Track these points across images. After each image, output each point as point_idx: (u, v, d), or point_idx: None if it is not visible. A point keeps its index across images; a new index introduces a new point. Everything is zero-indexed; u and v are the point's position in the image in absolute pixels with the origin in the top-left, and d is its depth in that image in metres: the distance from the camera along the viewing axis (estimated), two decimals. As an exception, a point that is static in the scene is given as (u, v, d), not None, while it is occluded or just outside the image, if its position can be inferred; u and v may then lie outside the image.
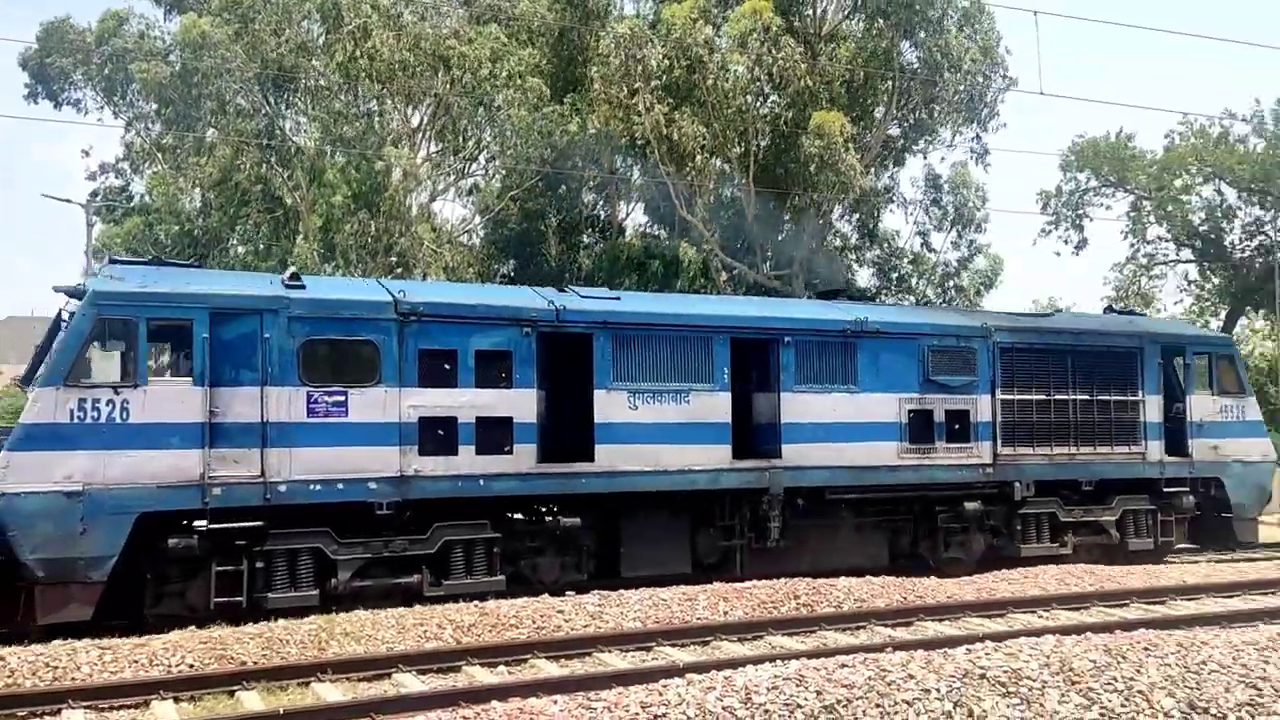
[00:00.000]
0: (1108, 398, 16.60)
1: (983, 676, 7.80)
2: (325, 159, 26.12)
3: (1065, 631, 10.05)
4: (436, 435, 12.11)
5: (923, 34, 26.19)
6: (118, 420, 10.71)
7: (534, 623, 10.77)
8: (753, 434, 14.45)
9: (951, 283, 31.01)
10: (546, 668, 9.55)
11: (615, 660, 9.80)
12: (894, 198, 30.70)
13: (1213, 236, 36.62)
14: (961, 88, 26.49)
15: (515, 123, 25.80)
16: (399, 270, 23.72)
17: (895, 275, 30.97)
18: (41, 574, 10.31)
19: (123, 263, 12.42)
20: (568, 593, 11.99)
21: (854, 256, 31.12)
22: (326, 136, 26.11)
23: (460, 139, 27.53)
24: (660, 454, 13.30)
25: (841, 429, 14.56)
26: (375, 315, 12.00)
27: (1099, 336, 17.07)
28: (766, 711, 7.10)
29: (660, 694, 7.46)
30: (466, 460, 12.23)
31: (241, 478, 11.10)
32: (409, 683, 8.98)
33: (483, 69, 24.96)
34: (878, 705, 7.25)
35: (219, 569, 11.07)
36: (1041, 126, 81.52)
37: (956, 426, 15.43)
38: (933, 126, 28.22)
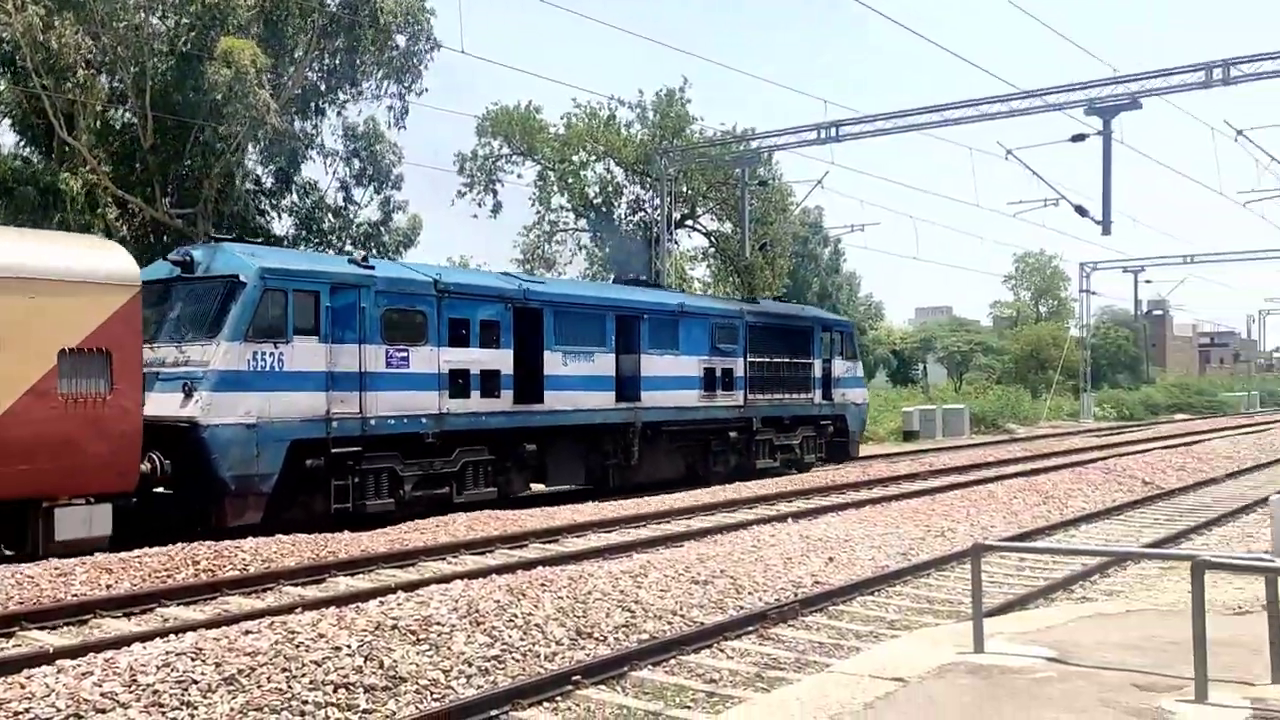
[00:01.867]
0: (797, 360, 24.61)
1: (394, 627, 7.85)
2: None
3: (473, 575, 10.54)
4: (458, 383, 16.46)
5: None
6: (276, 368, 13.86)
7: None
8: (623, 384, 19.88)
9: (373, 240, 30.93)
10: None
11: (-40, 656, 8.26)
12: (315, 146, 29.76)
13: (604, 209, 40.96)
14: (391, 46, 26.33)
15: None
16: None
17: (317, 227, 30.11)
18: (233, 488, 13.32)
19: (222, 239, 15.40)
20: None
21: (270, 202, 29.65)
22: None
23: None
24: (578, 398, 18.63)
25: (671, 380, 20.93)
26: (425, 292, 16.09)
27: (793, 319, 25.52)
28: (156, 692, 6.43)
29: (22, 687, 6.41)
30: (475, 402, 16.70)
31: (349, 414, 14.74)
32: None
33: None
34: (284, 670, 6.93)
35: (336, 484, 14.54)
36: (465, 88, 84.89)
37: (726, 380, 22.43)
38: (354, 77, 27.77)
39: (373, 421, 14.98)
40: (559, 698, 7.22)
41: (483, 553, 13.14)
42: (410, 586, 9.84)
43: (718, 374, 22.12)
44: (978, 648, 6.84)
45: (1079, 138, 25.39)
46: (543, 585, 9.50)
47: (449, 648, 7.70)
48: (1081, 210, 26.00)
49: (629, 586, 10.03)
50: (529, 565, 11.37)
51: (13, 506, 11.40)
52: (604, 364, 19.33)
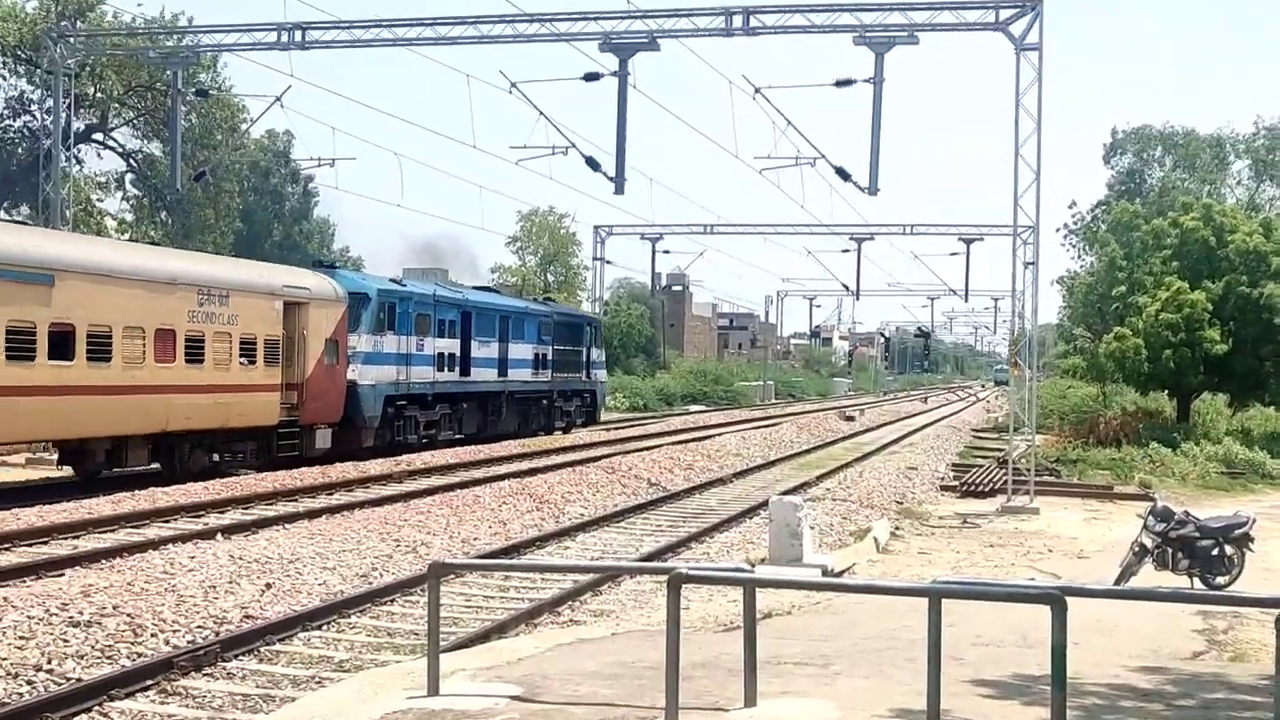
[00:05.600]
0: (576, 349, 42.71)
1: None
2: None
3: None
4: (441, 360, 32.82)
5: None
6: (381, 350, 29.42)
7: None
8: (499, 364, 36.66)
9: None
10: None
11: None
12: None
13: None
14: None
15: None
16: None
17: None
18: (367, 423, 28.81)
19: (329, 265, 32.90)
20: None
21: None
22: None
23: None
24: (483, 373, 35.58)
25: (523, 362, 38.32)
26: (429, 301, 32.55)
27: (576, 318, 45.91)
28: None
29: None
30: (447, 374, 33.12)
31: (402, 380, 30.35)
32: None
33: None
34: None
35: (396, 422, 30.45)
36: None
37: (544, 363, 39.74)
38: None
39: (411, 385, 30.27)
40: None
41: None
42: None
43: (539, 358, 39.32)
44: (432, 690, 7.01)
45: (593, 76, 27.27)
46: None
47: None
48: (593, 163, 27.99)
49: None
50: None
51: (303, 428, 25.87)
52: (493, 349, 35.89)
